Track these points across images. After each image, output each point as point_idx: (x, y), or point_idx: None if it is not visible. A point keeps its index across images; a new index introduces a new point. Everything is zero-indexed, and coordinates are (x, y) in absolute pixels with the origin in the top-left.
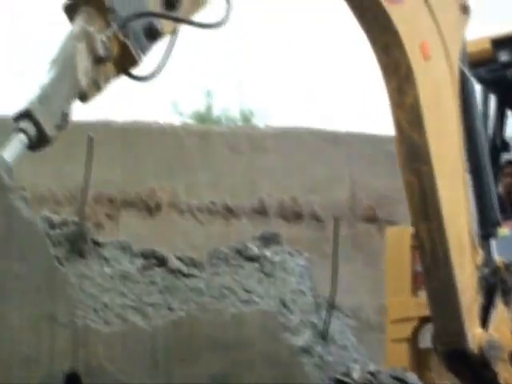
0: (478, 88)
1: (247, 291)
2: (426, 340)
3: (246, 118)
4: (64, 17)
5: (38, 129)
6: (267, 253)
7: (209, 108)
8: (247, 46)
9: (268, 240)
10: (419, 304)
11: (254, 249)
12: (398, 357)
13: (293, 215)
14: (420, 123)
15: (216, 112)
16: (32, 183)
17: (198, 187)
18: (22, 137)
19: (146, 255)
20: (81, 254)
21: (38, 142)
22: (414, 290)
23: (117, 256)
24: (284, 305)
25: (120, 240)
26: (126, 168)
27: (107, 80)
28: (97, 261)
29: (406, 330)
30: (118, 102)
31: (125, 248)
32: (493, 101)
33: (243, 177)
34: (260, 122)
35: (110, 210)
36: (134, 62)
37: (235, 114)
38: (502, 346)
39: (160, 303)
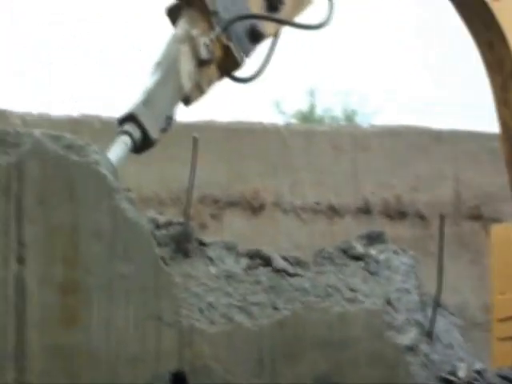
0: None
1: (352, 290)
2: None
3: (349, 117)
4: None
5: (143, 132)
6: (372, 251)
7: (312, 107)
8: (349, 44)
9: (373, 239)
10: None
11: (359, 247)
12: (505, 356)
13: (397, 213)
14: None
15: (319, 111)
16: (137, 184)
17: (302, 186)
18: (126, 139)
19: (251, 255)
20: (186, 254)
21: (143, 144)
22: None
23: (222, 256)
24: (389, 303)
25: (225, 240)
26: (230, 168)
27: (210, 83)
28: (202, 260)
29: None
30: (221, 102)
31: (230, 248)
32: None
33: (347, 176)
34: (363, 120)
35: (214, 210)
36: (236, 65)
37: (338, 112)
38: None
39: (265, 303)
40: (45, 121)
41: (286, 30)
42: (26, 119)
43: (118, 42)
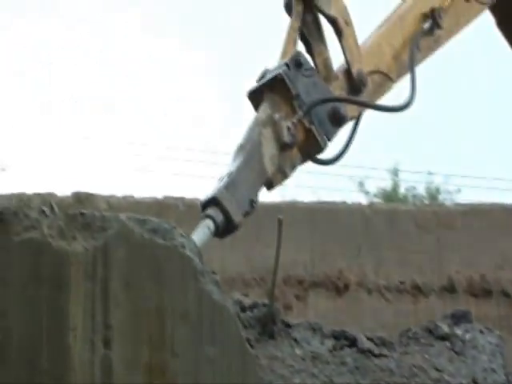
0: None
1: (438, 370)
2: None
3: (433, 196)
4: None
5: (226, 216)
6: (458, 331)
7: (395, 186)
8: (430, 121)
9: (458, 318)
10: None
11: (445, 327)
12: None
13: (482, 292)
14: None
15: (402, 190)
16: (221, 266)
17: (386, 266)
18: (209, 223)
19: (336, 335)
20: (271, 336)
21: (226, 228)
22: None
23: (307, 337)
24: (475, 383)
25: (310, 321)
26: (314, 248)
27: (293, 166)
28: (287, 342)
29: None
30: (304, 183)
31: (315, 329)
32: None
33: (431, 254)
34: (446, 198)
35: (298, 290)
36: (319, 148)
37: (421, 191)
38: None
39: None
40: (129, 203)
41: (368, 112)
42: (111, 202)
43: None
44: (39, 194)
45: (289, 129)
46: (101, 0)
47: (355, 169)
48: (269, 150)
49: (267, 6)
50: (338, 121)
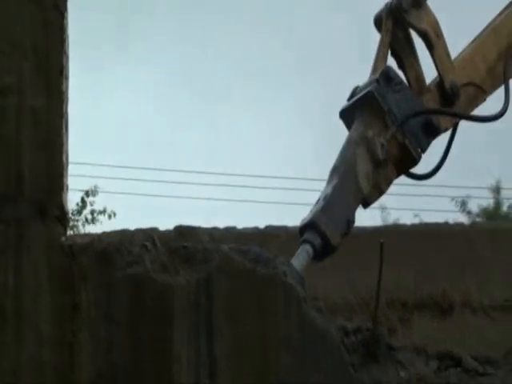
0: None
1: None
2: None
3: None
4: None
5: (324, 239)
6: None
7: (497, 204)
8: None
9: None
10: None
11: None
12: None
13: None
14: None
15: (504, 208)
16: (324, 293)
17: (490, 285)
18: (308, 248)
19: (441, 356)
20: (375, 359)
21: (324, 251)
22: None
23: (411, 359)
24: None
25: (414, 343)
26: (417, 270)
27: (388, 182)
28: (391, 365)
29: None
30: (404, 205)
31: (419, 350)
32: None
33: None
34: None
35: (402, 313)
36: (413, 162)
37: None
38: None
39: None
40: (232, 235)
41: (466, 125)
42: (214, 234)
43: None
44: (142, 230)
45: (382, 145)
46: None
47: (456, 189)
48: (363, 168)
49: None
50: (431, 132)
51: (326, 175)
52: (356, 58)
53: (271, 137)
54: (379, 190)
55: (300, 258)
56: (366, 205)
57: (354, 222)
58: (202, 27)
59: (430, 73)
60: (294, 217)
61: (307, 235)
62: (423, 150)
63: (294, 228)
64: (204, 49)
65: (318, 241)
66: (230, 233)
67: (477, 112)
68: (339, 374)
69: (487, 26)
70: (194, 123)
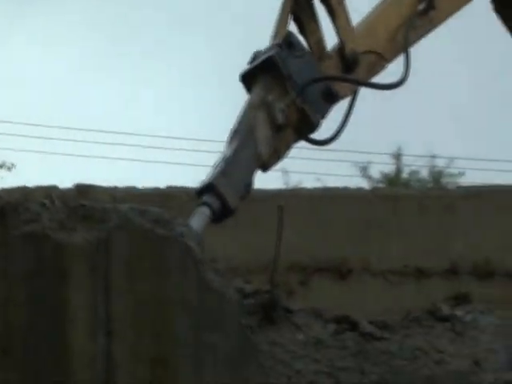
0: None
1: (439, 352)
2: None
3: (436, 179)
4: None
5: (222, 202)
6: (458, 312)
7: (398, 171)
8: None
9: (459, 300)
10: None
11: (446, 309)
12: None
13: (485, 274)
14: None
15: (405, 174)
16: (224, 255)
17: (389, 250)
18: (206, 210)
19: (338, 320)
20: (273, 322)
21: (222, 214)
22: None
23: (309, 322)
24: (476, 364)
25: (312, 306)
26: (317, 234)
27: (287, 147)
28: (289, 328)
29: None
30: (305, 169)
31: (317, 314)
32: None
33: (434, 238)
34: (449, 182)
35: (302, 276)
36: (312, 127)
37: (425, 175)
38: None
39: (353, 367)
40: (132, 195)
41: (367, 92)
42: (114, 194)
43: None
44: (41, 187)
45: (282, 110)
46: None
47: (358, 154)
48: (263, 132)
49: None
50: (330, 98)
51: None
52: (257, 21)
53: (161, 98)
54: (278, 155)
55: (198, 219)
56: (264, 169)
57: (252, 185)
58: None
59: (331, 39)
60: (195, 178)
61: (206, 197)
62: (322, 116)
63: (194, 189)
64: None
65: (216, 203)
66: (131, 193)
67: (378, 79)
68: (235, 336)
69: None
70: (104, 82)
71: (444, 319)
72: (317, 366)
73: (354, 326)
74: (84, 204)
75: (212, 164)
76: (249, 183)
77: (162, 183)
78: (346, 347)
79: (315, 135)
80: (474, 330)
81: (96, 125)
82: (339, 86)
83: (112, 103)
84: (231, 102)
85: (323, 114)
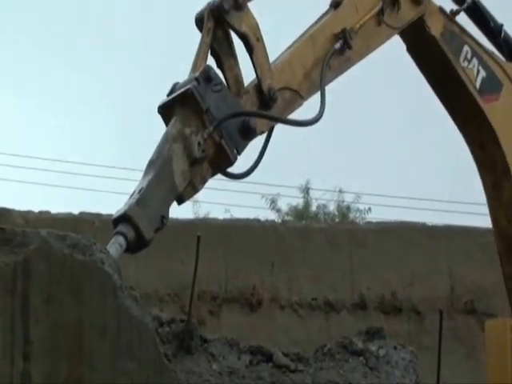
0: None
1: None
2: None
3: (343, 214)
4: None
5: (137, 232)
6: (372, 347)
7: (306, 204)
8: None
9: (372, 334)
10: None
11: (359, 343)
12: None
13: (392, 309)
14: None
15: (313, 208)
16: (136, 283)
17: (299, 283)
18: (121, 240)
19: (252, 351)
20: (189, 351)
21: (137, 244)
22: None
23: (224, 352)
24: None
25: (227, 336)
26: (228, 265)
27: (203, 180)
28: (204, 357)
29: None
30: (215, 200)
31: (232, 344)
32: None
33: (343, 271)
34: (357, 216)
35: (212, 306)
36: (229, 162)
37: (333, 209)
38: None
39: None
40: (46, 219)
41: (280, 127)
42: (28, 218)
43: None
44: None
45: (199, 144)
46: None
47: (267, 187)
48: (179, 165)
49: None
50: (247, 134)
51: (137, 165)
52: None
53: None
54: (194, 187)
55: (112, 248)
56: (180, 201)
57: (167, 217)
58: None
59: (249, 75)
60: (107, 205)
61: (121, 227)
62: (239, 151)
63: (107, 216)
64: None
65: (131, 234)
66: (44, 217)
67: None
68: (152, 363)
69: (305, 32)
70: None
71: (357, 353)
72: None
73: (268, 357)
74: (2, 227)
75: (129, 193)
76: (164, 215)
77: (75, 209)
78: (260, 378)
79: (231, 169)
80: (387, 364)
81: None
82: (256, 122)
83: (25, 127)
84: (152, 132)
85: (240, 149)
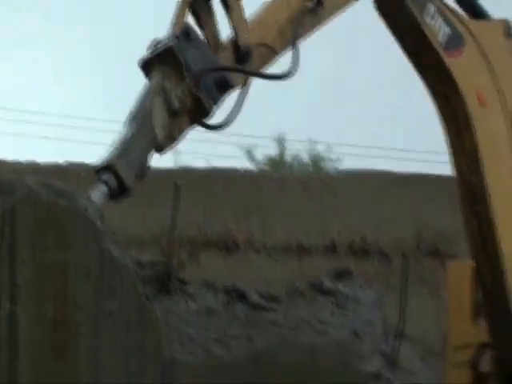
0: None
1: (322, 322)
2: (485, 364)
3: (317, 164)
4: None
5: (119, 181)
6: (340, 287)
7: (281, 154)
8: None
9: (341, 275)
10: (479, 331)
11: (328, 283)
12: (459, 381)
13: (361, 252)
14: (478, 167)
15: (287, 158)
16: (119, 228)
17: (273, 228)
18: (103, 188)
19: (228, 291)
20: (168, 292)
21: (119, 192)
22: (474, 318)
23: (201, 292)
24: (356, 335)
25: (203, 277)
26: (206, 211)
27: (182, 131)
28: (182, 297)
29: (467, 355)
30: (195, 150)
31: (208, 285)
32: None
33: (316, 217)
34: (329, 166)
35: (191, 250)
36: (206, 114)
37: (306, 158)
38: None
39: (242, 335)
40: (33, 169)
41: (255, 80)
42: (15, 168)
43: None
44: None
45: (178, 97)
46: None
47: (244, 137)
48: (159, 117)
49: None
50: (224, 88)
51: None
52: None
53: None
54: (173, 138)
55: (95, 196)
56: (160, 151)
57: (148, 166)
58: None
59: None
60: (94, 155)
61: (104, 176)
62: (216, 103)
63: (93, 166)
64: None
65: (113, 182)
66: (32, 167)
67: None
68: (133, 303)
69: None
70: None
71: (326, 293)
72: (208, 334)
73: (243, 296)
74: None
75: (110, 144)
76: (145, 164)
77: (61, 159)
78: (236, 317)
79: (209, 120)
80: (354, 303)
81: None
82: (232, 76)
83: (15, 81)
84: (131, 85)
85: (217, 101)
